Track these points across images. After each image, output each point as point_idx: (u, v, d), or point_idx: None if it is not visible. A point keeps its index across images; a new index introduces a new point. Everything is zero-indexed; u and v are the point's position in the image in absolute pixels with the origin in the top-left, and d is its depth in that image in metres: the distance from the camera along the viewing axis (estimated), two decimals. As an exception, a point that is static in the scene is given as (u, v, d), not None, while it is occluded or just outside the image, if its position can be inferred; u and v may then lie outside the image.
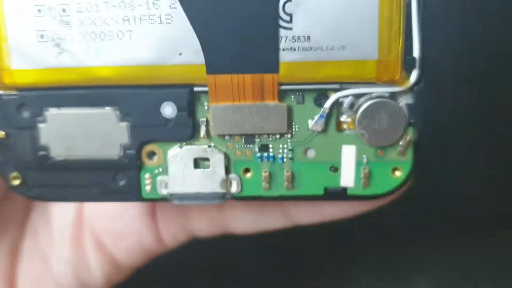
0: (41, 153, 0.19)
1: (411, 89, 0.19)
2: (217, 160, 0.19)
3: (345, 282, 0.34)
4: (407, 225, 0.34)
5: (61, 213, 0.24)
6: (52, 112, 0.19)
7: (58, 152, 0.19)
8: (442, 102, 0.31)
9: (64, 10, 0.18)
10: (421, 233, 0.34)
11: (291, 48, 0.18)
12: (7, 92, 0.19)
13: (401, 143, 0.19)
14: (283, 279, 0.34)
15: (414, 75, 0.18)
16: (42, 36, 0.18)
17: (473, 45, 0.32)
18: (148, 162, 0.19)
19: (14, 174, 0.20)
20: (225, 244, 0.31)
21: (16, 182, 0.20)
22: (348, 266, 0.34)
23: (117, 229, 0.23)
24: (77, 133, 0.19)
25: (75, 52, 0.18)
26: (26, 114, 0.19)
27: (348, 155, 0.19)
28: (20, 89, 0.19)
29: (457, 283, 0.34)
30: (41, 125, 0.19)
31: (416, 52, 0.18)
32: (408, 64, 0.18)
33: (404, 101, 0.19)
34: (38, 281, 0.23)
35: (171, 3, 0.18)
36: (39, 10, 0.18)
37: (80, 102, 0.19)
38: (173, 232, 0.24)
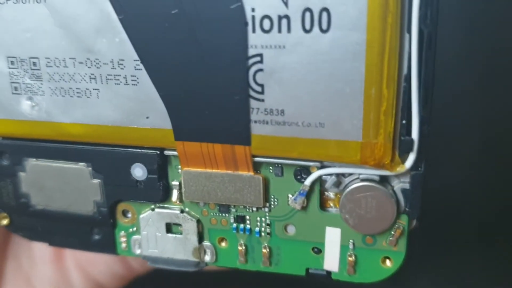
0: (23, 200, 0.19)
1: (408, 172, 0.16)
2: (189, 227, 0.18)
3: (343, 283, 0.32)
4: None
5: None
6: (30, 161, 0.18)
7: (37, 201, 0.19)
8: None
9: (34, 64, 0.17)
10: (421, 233, 0.31)
11: (263, 121, 0.16)
12: None
13: (392, 232, 0.16)
14: (281, 281, 0.32)
15: (410, 159, 0.15)
16: (15, 89, 0.17)
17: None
18: (122, 220, 0.19)
19: (3, 214, 0.20)
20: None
21: (5, 221, 0.20)
22: None
23: (89, 256, 0.23)
24: (54, 185, 0.18)
25: (46, 106, 0.17)
26: (5, 162, 0.19)
27: (333, 238, 0.17)
28: (1, 137, 0.19)
29: (456, 284, 0.32)
30: (21, 174, 0.19)
31: (414, 133, 0.15)
32: (403, 146, 0.15)
33: (399, 185, 0.16)
34: None
35: (136, 64, 0.16)
36: (12, 63, 0.17)
37: (55, 155, 0.18)
38: (140, 260, 0.23)
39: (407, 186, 0.16)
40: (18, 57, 0.17)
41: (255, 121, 0.16)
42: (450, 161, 0.31)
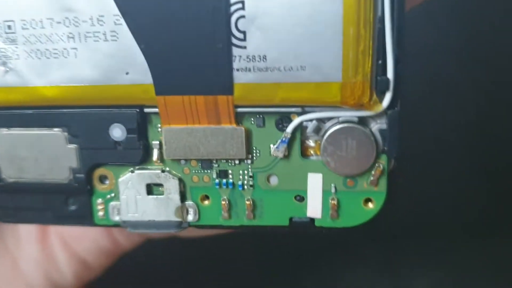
0: None
1: (384, 113, 0.17)
2: (171, 187, 0.18)
3: (343, 283, 0.33)
4: (406, 226, 0.33)
5: None
6: (1, 132, 0.18)
7: (9, 173, 0.18)
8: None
9: (9, 27, 0.17)
10: (421, 234, 0.33)
11: (246, 68, 0.16)
12: None
13: (372, 172, 0.17)
14: (281, 281, 0.33)
15: (387, 98, 0.16)
16: (-13, 54, 0.17)
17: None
18: (99, 186, 0.18)
19: None
20: (224, 246, 0.31)
21: None
22: (346, 268, 0.33)
23: (74, 231, 0.23)
24: (27, 155, 0.18)
25: (20, 70, 0.17)
26: None
27: (314, 184, 0.17)
28: None
29: (456, 284, 0.33)
30: None
31: (390, 73, 0.16)
32: (380, 86, 0.16)
33: (376, 126, 0.17)
34: (10, 283, 0.23)
35: (116, 19, 0.16)
36: (-18, 27, 0.17)
37: (29, 122, 0.18)
38: (126, 233, 0.23)
39: (384, 126, 0.17)
40: (-10, 20, 0.17)
41: (238, 69, 0.16)
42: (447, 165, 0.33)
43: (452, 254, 0.33)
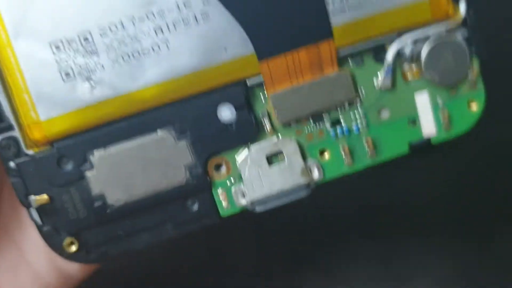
0: (97, 204, 0.17)
1: (464, 22, 0.18)
2: (291, 150, 0.17)
3: (342, 281, 0.33)
4: (406, 224, 0.33)
5: None
6: (97, 154, 0.17)
7: (115, 197, 0.17)
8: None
9: (86, 39, 0.16)
10: (421, 232, 0.33)
11: (341, 9, 0.16)
12: (41, 149, 0.17)
13: (469, 76, 0.18)
14: (279, 280, 0.33)
15: (462, 6, 0.17)
16: (67, 75, 0.16)
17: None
18: (217, 176, 0.18)
19: (68, 240, 0.17)
20: (222, 242, 0.32)
21: (73, 248, 0.17)
22: (346, 266, 0.33)
23: None
24: (133, 169, 0.17)
25: (109, 81, 0.16)
26: (68, 167, 0.17)
27: (423, 102, 0.18)
28: (54, 141, 0.16)
29: (459, 283, 0.33)
30: (88, 173, 0.17)
31: None
32: None
33: (461, 34, 0.18)
34: (15, 271, 0.22)
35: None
36: (57, 47, 0.16)
37: (127, 134, 0.17)
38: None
39: (466, 33, 0.17)
40: (64, 38, 0.16)
41: (333, 13, 0.16)
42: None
43: (452, 252, 0.33)
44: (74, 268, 0.21)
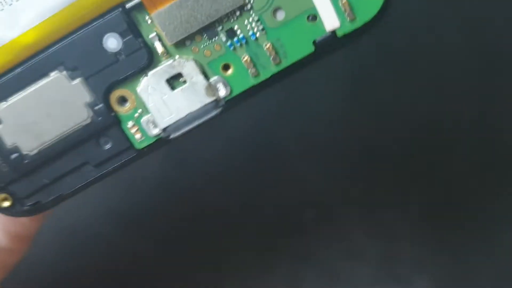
0: (13, 156, 0.17)
1: None
2: (190, 70, 0.17)
3: (342, 280, 0.33)
4: (406, 222, 0.33)
5: None
6: (1, 107, 0.17)
7: (29, 146, 0.17)
8: None
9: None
10: (421, 230, 0.33)
11: None
12: None
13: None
14: (281, 278, 0.33)
15: None
16: None
17: None
18: (122, 110, 0.17)
19: (1, 196, 0.18)
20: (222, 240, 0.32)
21: (7, 203, 0.18)
22: (346, 264, 0.33)
23: None
24: (38, 116, 0.17)
25: None
26: None
27: (319, -5, 0.17)
28: None
29: (457, 281, 0.33)
30: None
31: None
32: None
33: None
34: None
35: None
36: None
37: (23, 82, 0.17)
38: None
39: None
40: None
41: None
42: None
43: (452, 250, 0.33)
44: (20, 225, 0.21)
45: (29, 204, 0.18)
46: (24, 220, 0.21)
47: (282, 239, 0.33)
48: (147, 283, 0.33)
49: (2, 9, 0.16)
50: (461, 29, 0.33)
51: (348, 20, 0.17)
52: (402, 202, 0.34)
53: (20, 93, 0.17)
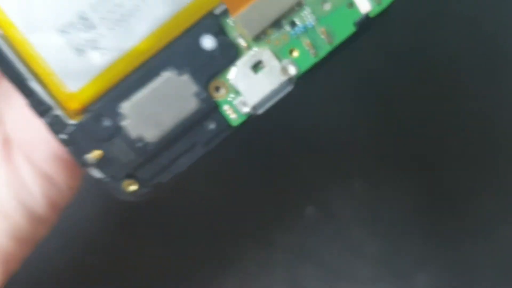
0: (138, 145, 0.21)
1: None
2: (267, 56, 0.22)
3: (343, 277, 0.36)
4: (405, 219, 0.36)
5: None
6: (125, 105, 0.21)
7: (151, 134, 0.21)
8: None
9: (82, 18, 0.20)
10: (420, 228, 0.36)
11: None
12: (81, 117, 0.20)
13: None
14: (282, 275, 0.35)
15: None
16: (79, 50, 0.20)
17: None
18: (219, 96, 0.22)
19: (127, 181, 0.21)
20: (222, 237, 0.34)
21: (134, 187, 0.21)
22: (346, 260, 0.36)
23: (32, 139, 0.23)
24: (156, 109, 0.21)
25: (112, 45, 0.20)
26: (106, 123, 0.21)
27: (353, -12, 0.22)
28: (88, 106, 0.20)
29: (456, 278, 0.36)
30: (124, 123, 0.21)
31: None
32: None
33: None
34: None
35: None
36: (63, 32, 0.20)
37: (141, 82, 0.21)
38: None
39: None
40: (66, 23, 0.20)
41: None
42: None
43: (452, 246, 0.36)
44: (38, 204, 0.23)
45: (152, 185, 0.21)
46: (62, 187, 0.23)
47: (282, 236, 0.35)
48: (146, 280, 0.34)
49: (120, 25, 0.20)
50: (461, 28, 0.36)
51: (376, 3, 0.23)
52: (402, 198, 0.36)
53: (140, 92, 0.21)
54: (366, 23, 0.23)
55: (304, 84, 0.22)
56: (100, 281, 0.34)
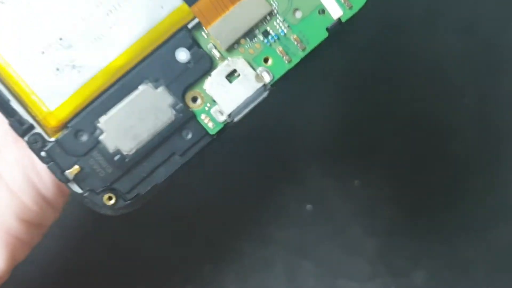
0: (116, 158, 0.22)
1: None
2: (241, 65, 0.22)
3: (340, 274, 0.36)
4: (402, 217, 0.37)
5: None
6: (102, 120, 0.21)
7: (128, 147, 0.22)
8: None
9: (60, 38, 0.21)
10: (417, 226, 0.37)
11: None
12: (59, 133, 0.21)
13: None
14: (280, 272, 0.36)
15: None
16: (58, 69, 0.21)
17: None
18: (195, 106, 0.22)
19: (106, 195, 0.22)
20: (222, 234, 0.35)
21: (111, 201, 0.22)
22: (343, 258, 0.36)
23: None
24: (133, 122, 0.22)
25: (88, 62, 0.21)
26: (84, 138, 0.21)
27: (322, -8, 0.23)
28: (67, 122, 0.21)
29: (453, 276, 0.36)
30: (101, 137, 0.22)
31: None
32: None
33: None
34: None
35: (129, -24, 0.21)
36: (43, 53, 0.21)
37: (118, 97, 0.21)
38: None
39: None
40: (45, 44, 0.21)
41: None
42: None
43: (448, 244, 0.36)
44: (46, 187, 0.23)
45: (130, 198, 0.22)
46: (53, 190, 0.23)
47: (281, 234, 0.36)
48: (146, 278, 0.35)
49: (97, 43, 0.21)
50: (461, 28, 0.37)
51: (347, 8, 0.23)
52: (399, 197, 0.37)
53: (117, 106, 0.21)
54: (338, 28, 0.23)
55: (278, 92, 0.23)
56: (100, 281, 0.35)
